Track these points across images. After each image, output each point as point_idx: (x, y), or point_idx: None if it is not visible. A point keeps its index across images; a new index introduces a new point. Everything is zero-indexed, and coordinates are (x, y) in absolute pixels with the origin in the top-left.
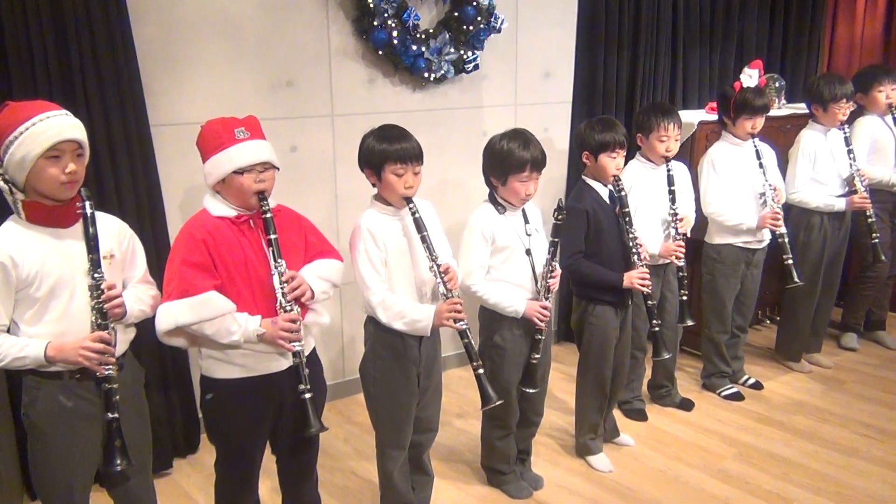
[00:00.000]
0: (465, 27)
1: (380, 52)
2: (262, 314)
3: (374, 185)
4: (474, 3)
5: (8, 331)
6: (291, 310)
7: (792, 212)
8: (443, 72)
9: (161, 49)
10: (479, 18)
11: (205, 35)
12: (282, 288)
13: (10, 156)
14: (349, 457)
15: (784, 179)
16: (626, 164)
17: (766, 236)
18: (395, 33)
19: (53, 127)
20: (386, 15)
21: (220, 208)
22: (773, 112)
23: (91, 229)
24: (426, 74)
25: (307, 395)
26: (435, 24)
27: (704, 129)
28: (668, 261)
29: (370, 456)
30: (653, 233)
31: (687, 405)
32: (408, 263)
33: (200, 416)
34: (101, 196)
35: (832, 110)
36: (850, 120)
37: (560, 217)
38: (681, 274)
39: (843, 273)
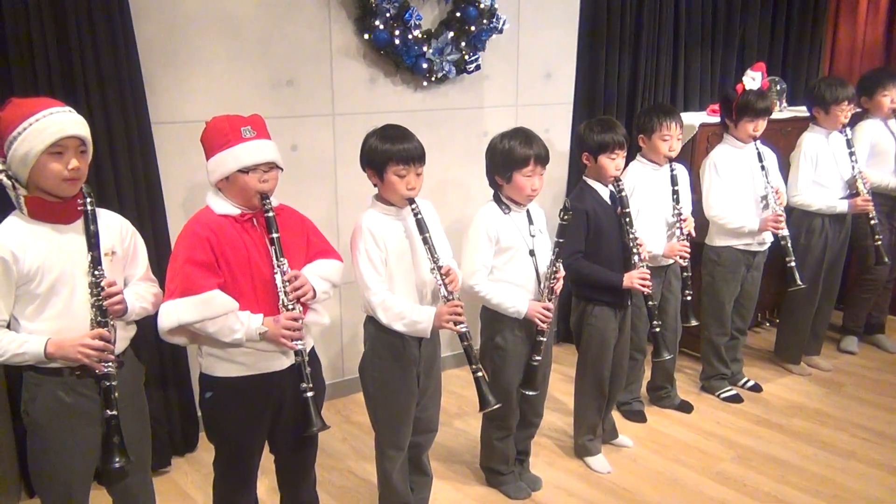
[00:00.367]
0: (466, 27)
1: (381, 52)
2: (264, 312)
3: (375, 186)
4: (476, 4)
5: (8, 326)
6: (293, 308)
7: (793, 214)
8: (444, 72)
9: (162, 47)
10: (480, 19)
11: (206, 33)
12: (284, 287)
13: (14, 151)
14: (347, 456)
15: (785, 182)
16: (626, 165)
17: (768, 239)
18: (396, 33)
19: (57, 123)
20: (388, 14)
21: (223, 206)
22: (774, 115)
23: (92, 226)
24: (427, 74)
25: (309, 394)
26: (437, 24)
27: (705, 131)
28: (671, 262)
29: (368, 456)
30: (656, 234)
31: (686, 407)
32: (409, 264)
33: (199, 414)
34: (101, 193)
35: (834, 113)
36: (852, 123)
37: (566, 217)
38: (685, 274)
39: (842, 276)
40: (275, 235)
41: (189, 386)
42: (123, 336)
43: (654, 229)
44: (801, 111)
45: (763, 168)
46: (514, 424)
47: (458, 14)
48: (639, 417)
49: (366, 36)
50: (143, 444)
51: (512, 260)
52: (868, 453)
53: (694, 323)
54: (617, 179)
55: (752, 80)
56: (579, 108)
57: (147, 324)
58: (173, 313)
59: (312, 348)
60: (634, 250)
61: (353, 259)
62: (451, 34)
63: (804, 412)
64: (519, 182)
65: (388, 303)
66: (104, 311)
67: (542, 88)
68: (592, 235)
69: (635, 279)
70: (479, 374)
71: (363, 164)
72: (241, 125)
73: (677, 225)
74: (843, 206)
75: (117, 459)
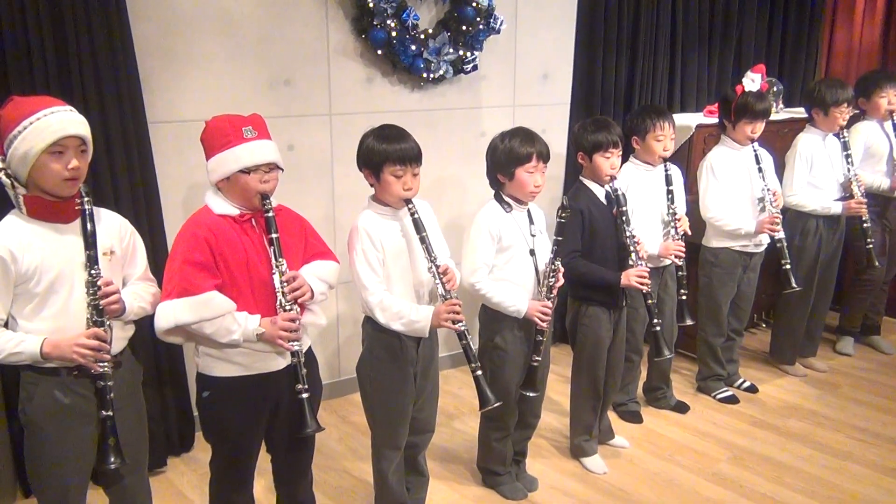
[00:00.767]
0: (464, 27)
1: (378, 52)
2: (261, 313)
3: (372, 186)
4: (474, 4)
5: (6, 325)
6: (291, 309)
7: (787, 216)
8: (441, 72)
9: (159, 46)
10: (478, 19)
11: (203, 32)
12: (282, 287)
13: (14, 150)
14: (344, 456)
15: (781, 183)
16: (620, 165)
17: (764, 241)
18: (394, 33)
19: (57, 122)
20: (385, 14)
21: (222, 206)
22: (771, 116)
23: (89, 225)
24: (425, 74)
25: (305, 396)
26: (434, 24)
27: (702, 132)
28: (668, 263)
29: (365, 456)
30: (651, 234)
31: (682, 408)
32: (406, 264)
33: (195, 413)
34: (97, 192)
35: (833, 115)
36: (847, 125)
37: (564, 215)
38: (680, 273)
39: (838, 277)
40: (274, 236)
41: (185, 386)
42: (121, 336)
43: (649, 229)
44: (798, 113)
45: (760, 170)
46: (513, 425)
47: (455, 14)
48: (635, 418)
49: (363, 36)
50: (141, 444)
51: (512, 259)
52: (864, 454)
53: (689, 322)
54: (613, 179)
55: (752, 81)
56: (576, 109)
57: (143, 323)
58: (171, 314)
59: (309, 348)
60: (632, 249)
61: (351, 260)
62: (449, 34)
63: (800, 413)
64: (522, 178)
65: (386, 303)
66: (100, 310)
67: (539, 89)
68: (588, 235)
69: (633, 277)
70: (479, 372)
71: (360, 164)
72: (242, 125)
73: (672, 224)
74: (837, 208)
75: (112, 460)
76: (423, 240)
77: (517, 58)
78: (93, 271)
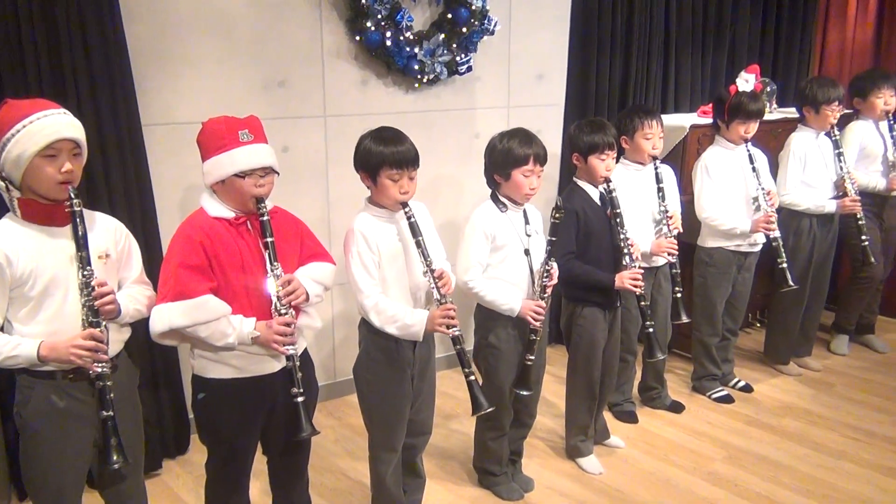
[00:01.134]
0: (458, 29)
1: (373, 53)
2: (256, 316)
3: (368, 188)
4: (468, 5)
5: (1, 329)
6: (286, 313)
7: (781, 215)
8: (436, 73)
9: (153, 47)
10: (472, 20)
11: (197, 34)
12: (277, 291)
13: (7, 153)
14: (340, 458)
15: (775, 182)
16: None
17: (759, 240)
18: (388, 34)
19: (50, 126)
20: (379, 16)
21: (217, 209)
22: (764, 116)
23: (80, 227)
24: (419, 76)
25: (300, 399)
26: (428, 25)
27: (696, 132)
28: (661, 263)
29: (361, 457)
30: (642, 233)
31: (677, 407)
32: (402, 267)
33: (191, 416)
34: (91, 195)
35: (824, 113)
36: (841, 125)
37: (558, 216)
38: (674, 271)
39: (833, 276)
40: (269, 240)
41: (180, 388)
42: (117, 339)
43: (641, 228)
44: (791, 112)
45: (754, 170)
46: (508, 424)
47: (449, 16)
48: (630, 418)
49: (357, 37)
50: (137, 447)
51: (507, 258)
52: (858, 453)
53: (685, 319)
54: (607, 180)
55: (746, 81)
56: (570, 110)
57: (138, 326)
58: (166, 317)
59: (305, 349)
60: (626, 251)
61: (346, 262)
62: (443, 36)
63: (795, 412)
64: (517, 180)
65: (381, 306)
66: (95, 311)
67: (534, 90)
68: (582, 236)
69: (626, 279)
70: (472, 377)
71: (357, 166)
72: (238, 128)
73: (664, 222)
74: (831, 206)
75: (115, 459)
76: (418, 244)
77: (511, 59)
78: (85, 272)
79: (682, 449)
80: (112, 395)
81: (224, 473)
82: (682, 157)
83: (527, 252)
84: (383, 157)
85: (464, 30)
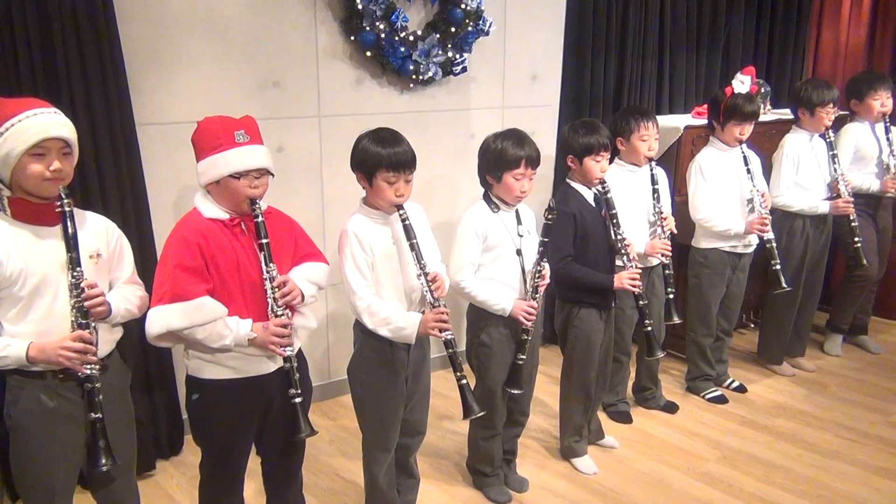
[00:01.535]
0: (452, 29)
1: (367, 54)
2: (252, 317)
3: (364, 189)
4: (462, 6)
5: None
6: (282, 314)
7: (775, 216)
8: (430, 74)
9: (147, 47)
10: (466, 21)
11: (192, 34)
12: (273, 293)
13: None
14: (334, 458)
15: (768, 183)
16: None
17: (753, 241)
18: (382, 35)
19: (39, 124)
20: (374, 16)
21: (212, 210)
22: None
23: (69, 227)
24: (414, 76)
25: (298, 400)
26: (423, 25)
27: (690, 133)
28: (655, 263)
29: (355, 457)
30: (637, 234)
31: (671, 408)
32: (396, 269)
33: (185, 416)
34: (85, 195)
35: (819, 115)
36: (837, 127)
37: (550, 217)
38: (667, 272)
39: (827, 276)
40: (264, 241)
41: (174, 388)
42: (109, 339)
43: (636, 229)
44: (786, 114)
45: (748, 171)
46: (501, 424)
47: (444, 16)
48: (624, 418)
49: (352, 37)
50: (129, 447)
51: (499, 258)
52: (852, 453)
53: (677, 320)
54: (602, 181)
55: (742, 83)
56: (565, 110)
57: (131, 326)
58: (163, 319)
59: (300, 349)
60: (623, 251)
61: (340, 264)
62: (438, 36)
63: (788, 413)
64: (509, 183)
65: (374, 307)
66: (85, 312)
67: (529, 90)
68: (579, 239)
69: (625, 280)
70: (464, 381)
71: (353, 165)
72: (234, 129)
73: (658, 223)
74: (824, 208)
75: (103, 462)
76: (412, 246)
77: (506, 59)
78: (75, 273)
79: (676, 449)
80: (101, 396)
81: (218, 474)
82: (676, 158)
83: (519, 252)
84: (380, 158)
85: (458, 30)
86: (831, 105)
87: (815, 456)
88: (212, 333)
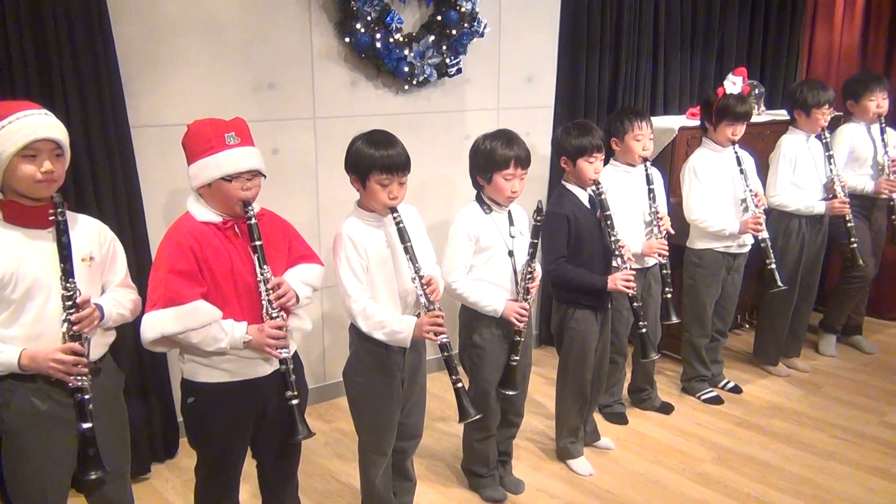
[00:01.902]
0: (447, 31)
1: (362, 55)
2: (247, 319)
3: (358, 191)
4: (457, 8)
5: None
6: (277, 317)
7: (771, 216)
8: (425, 75)
9: (142, 49)
10: (461, 22)
11: (186, 36)
12: (268, 295)
13: None
14: (330, 461)
15: (764, 184)
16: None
17: (748, 241)
18: (377, 36)
19: (29, 126)
20: (369, 18)
21: (204, 213)
22: (752, 118)
23: (63, 237)
24: (409, 78)
25: (294, 402)
26: (418, 27)
27: (685, 134)
28: (652, 264)
29: (351, 460)
30: (633, 234)
31: (667, 409)
32: (391, 272)
33: (180, 419)
34: (79, 198)
35: (814, 116)
36: (832, 128)
37: (539, 219)
38: (664, 272)
39: (822, 276)
40: (258, 243)
41: (169, 391)
42: (101, 342)
43: (632, 229)
44: (779, 115)
45: (742, 171)
46: (495, 425)
47: (439, 18)
48: (620, 419)
49: (347, 39)
50: (122, 451)
51: (491, 259)
52: (847, 453)
53: (675, 320)
54: (596, 182)
55: (733, 84)
56: (560, 112)
57: (126, 330)
58: (157, 324)
59: (295, 352)
60: (616, 252)
61: (335, 267)
62: (433, 38)
63: (784, 413)
64: (499, 183)
65: (369, 311)
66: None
67: (524, 92)
68: (573, 240)
69: (619, 280)
70: (459, 384)
71: (347, 168)
72: (224, 131)
73: (654, 223)
74: (820, 208)
75: (92, 472)
76: (406, 250)
77: (501, 61)
78: (68, 285)
79: (671, 450)
80: (91, 405)
81: (214, 477)
82: (671, 159)
83: (511, 253)
84: (373, 160)
85: (453, 32)
86: (827, 106)
87: (811, 456)
88: (206, 337)
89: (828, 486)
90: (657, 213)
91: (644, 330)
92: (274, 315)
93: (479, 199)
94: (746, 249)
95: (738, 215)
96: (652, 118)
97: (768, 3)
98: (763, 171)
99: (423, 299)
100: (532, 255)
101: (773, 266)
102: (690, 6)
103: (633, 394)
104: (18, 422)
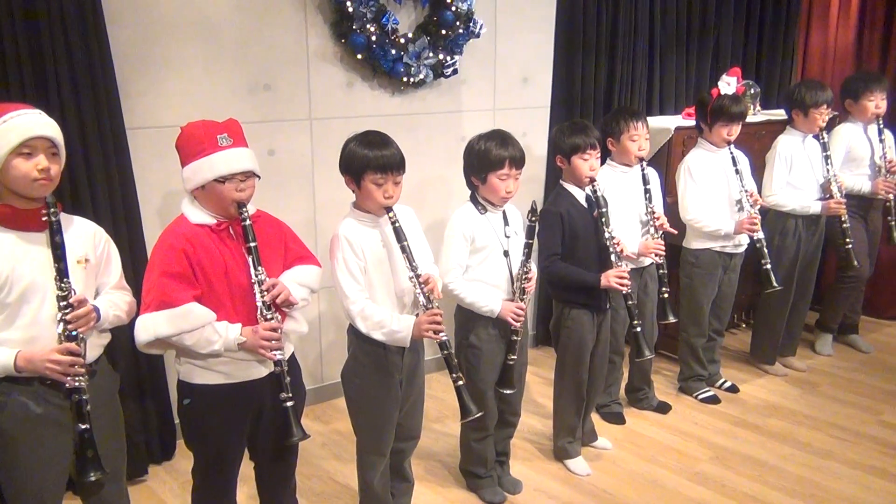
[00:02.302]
0: (443, 32)
1: (358, 56)
2: (242, 321)
3: (353, 192)
4: (453, 8)
5: None
6: (272, 318)
7: (767, 216)
8: (421, 76)
9: (137, 51)
10: (457, 23)
11: (182, 37)
12: (262, 296)
13: None
14: (328, 462)
15: (759, 184)
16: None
17: (744, 241)
18: (373, 37)
19: (23, 124)
20: (364, 19)
21: (199, 215)
22: (747, 118)
23: (57, 238)
24: (405, 78)
25: (289, 404)
26: (414, 28)
27: (681, 134)
28: (648, 263)
29: (348, 461)
30: (630, 234)
31: (664, 408)
32: (388, 272)
33: (177, 421)
34: (75, 200)
35: (812, 116)
36: (829, 128)
37: (533, 219)
38: (661, 271)
39: (819, 276)
40: (252, 245)
41: (166, 393)
42: (97, 344)
43: (629, 229)
44: (775, 115)
45: (737, 171)
46: (492, 425)
47: (435, 18)
48: (617, 419)
49: (342, 40)
50: (118, 453)
51: (486, 260)
52: (844, 452)
53: (672, 319)
54: (592, 180)
55: (728, 84)
56: (556, 112)
57: (122, 332)
58: (150, 327)
59: (293, 354)
60: (611, 249)
61: (332, 268)
62: (429, 38)
63: (781, 412)
64: (494, 184)
65: (367, 311)
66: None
67: (520, 92)
68: (568, 238)
69: (612, 278)
70: (460, 382)
71: (341, 169)
72: (217, 133)
73: (651, 223)
74: (816, 207)
75: (92, 474)
76: (403, 249)
77: (497, 61)
78: (62, 285)
79: (669, 450)
80: (89, 406)
81: (211, 479)
82: (667, 159)
83: (506, 253)
84: (367, 160)
85: (449, 32)
86: (825, 106)
87: (808, 455)
88: (200, 339)
89: (825, 485)
90: (654, 212)
91: (638, 329)
92: (268, 317)
93: (473, 199)
94: (742, 249)
95: (733, 215)
96: (648, 118)
97: (763, 3)
98: (759, 170)
99: (421, 298)
100: (527, 256)
101: (769, 267)
102: (686, 7)
103: (631, 393)
104: (13, 425)
